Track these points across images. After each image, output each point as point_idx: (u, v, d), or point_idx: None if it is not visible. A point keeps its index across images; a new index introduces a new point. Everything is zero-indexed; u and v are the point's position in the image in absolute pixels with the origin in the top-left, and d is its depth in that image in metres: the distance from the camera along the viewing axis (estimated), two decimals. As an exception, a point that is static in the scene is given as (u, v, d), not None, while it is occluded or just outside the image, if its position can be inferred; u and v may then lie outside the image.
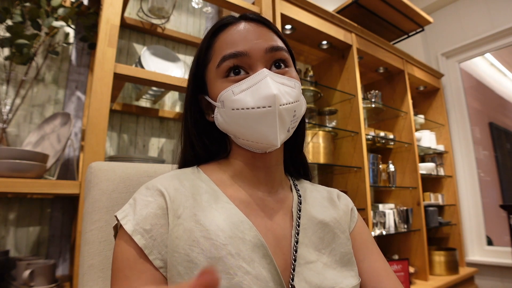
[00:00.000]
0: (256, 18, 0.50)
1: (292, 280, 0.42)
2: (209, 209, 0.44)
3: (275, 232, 0.45)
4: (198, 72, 0.52)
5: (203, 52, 0.51)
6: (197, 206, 0.44)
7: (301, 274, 0.43)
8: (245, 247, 0.41)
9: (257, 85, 0.44)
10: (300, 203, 0.51)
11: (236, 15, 0.53)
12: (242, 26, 0.48)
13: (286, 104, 0.43)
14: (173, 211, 0.43)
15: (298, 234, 0.46)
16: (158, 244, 0.41)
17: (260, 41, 0.46)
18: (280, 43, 0.48)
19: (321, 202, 0.54)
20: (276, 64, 0.47)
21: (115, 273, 0.41)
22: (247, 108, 0.43)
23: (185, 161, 0.55)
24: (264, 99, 0.42)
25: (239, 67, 0.46)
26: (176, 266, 0.39)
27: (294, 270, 0.42)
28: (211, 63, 0.49)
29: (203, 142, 0.53)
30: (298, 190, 0.54)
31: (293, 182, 0.56)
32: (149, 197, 0.44)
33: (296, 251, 0.44)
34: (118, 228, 0.45)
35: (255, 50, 0.46)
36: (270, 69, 0.47)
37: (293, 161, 0.58)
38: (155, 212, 0.43)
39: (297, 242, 0.45)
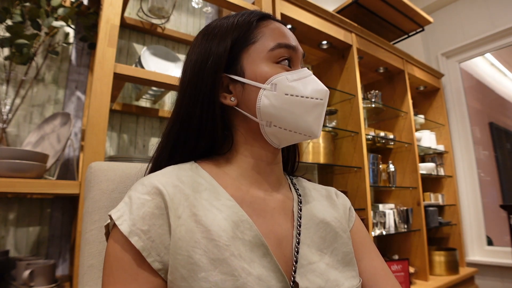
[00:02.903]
0: (283, 23, 0.54)
1: (295, 281, 0.41)
2: (209, 207, 0.42)
3: (276, 232, 0.45)
4: (232, 49, 0.48)
5: (243, 30, 0.49)
6: (197, 204, 0.42)
7: (304, 275, 0.42)
8: (244, 248, 0.40)
9: (306, 79, 0.47)
10: (301, 203, 0.50)
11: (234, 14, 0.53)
12: (282, 26, 0.53)
13: None
14: (173, 210, 0.40)
15: (299, 234, 0.45)
16: (157, 245, 0.39)
17: (299, 44, 0.52)
18: None
19: (321, 201, 0.54)
20: None
21: (107, 276, 0.39)
22: (302, 96, 0.46)
23: (179, 156, 0.50)
24: (317, 92, 0.47)
25: (289, 59, 0.49)
26: (179, 269, 0.37)
27: (295, 271, 0.42)
28: (257, 44, 0.48)
29: (215, 128, 0.48)
30: (298, 190, 0.54)
31: (291, 181, 0.56)
32: (146, 195, 0.41)
33: (297, 252, 0.43)
34: (111, 228, 0.42)
35: (300, 51, 0.51)
36: None
37: (289, 156, 0.59)
38: (152, 211, 0.40)
39: (298, 243, 0.44)
